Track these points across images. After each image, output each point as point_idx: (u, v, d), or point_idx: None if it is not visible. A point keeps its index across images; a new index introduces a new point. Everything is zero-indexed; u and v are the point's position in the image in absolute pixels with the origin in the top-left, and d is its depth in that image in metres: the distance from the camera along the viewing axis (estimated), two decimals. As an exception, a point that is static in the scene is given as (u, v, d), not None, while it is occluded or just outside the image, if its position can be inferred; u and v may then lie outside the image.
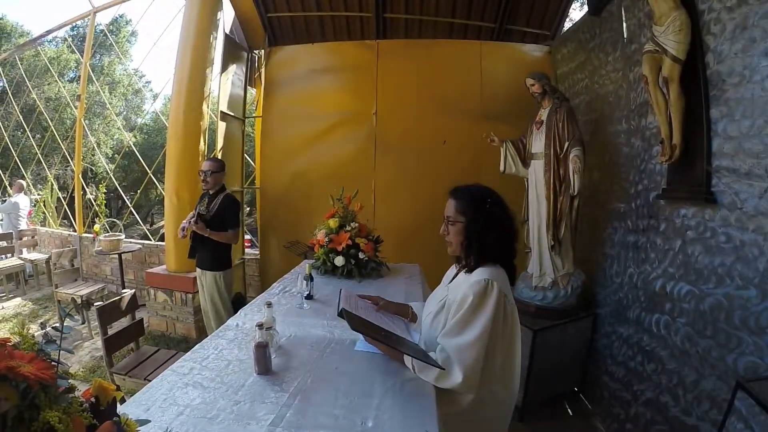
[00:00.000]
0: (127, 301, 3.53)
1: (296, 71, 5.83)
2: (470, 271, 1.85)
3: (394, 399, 1.66)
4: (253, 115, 6.71)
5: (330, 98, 5.74)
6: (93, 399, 1.04)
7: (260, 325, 1.87)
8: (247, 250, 6.58)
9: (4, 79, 12.73)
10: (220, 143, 5.34)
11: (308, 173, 5.71)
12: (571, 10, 5.65)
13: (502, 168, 4.01)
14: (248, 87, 6.25)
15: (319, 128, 5.72)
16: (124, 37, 17.17)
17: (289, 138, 5.82)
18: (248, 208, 12.23)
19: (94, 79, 10.20)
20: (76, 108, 8.86)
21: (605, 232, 3.74)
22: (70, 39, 15.22)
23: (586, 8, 4.31)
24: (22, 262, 7.74)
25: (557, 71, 5.13)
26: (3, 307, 6.73)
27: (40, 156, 10.97)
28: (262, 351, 1.84)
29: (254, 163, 6.84)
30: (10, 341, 0.94)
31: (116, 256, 5.92)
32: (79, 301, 5.46)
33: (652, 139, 3.07)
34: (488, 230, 1.82)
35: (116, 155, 15.46)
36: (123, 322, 3.58)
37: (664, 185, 2.87)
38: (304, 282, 2.86)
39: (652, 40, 2.61)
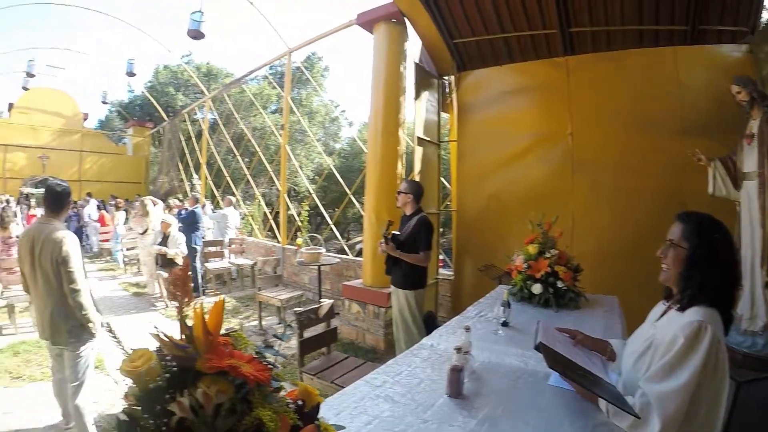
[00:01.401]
0: (325, 310, 3.87)
1: (487, 94, 5.92)
2: (682, 309, 1.67)
3: (582, 442, 1.56)
4: (447, 139, 6.90)
5: (522, 119, 5.70)
6: (300, 401, 1.14)
7: (458, 349, 1.89)
8: (440, 270, 6.73)
9: (216, 113, 15.09)
10: (417, 167, 5.56)
11: (502, 195, 5.72)
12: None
13: (710, 190, 3.62)
14: (442, 112, 6.48)
15: (513, 150, 5.69)
16: (318, 72, 19.18)
17: (483, 160, 5.91)
18: (442, 229, 12.60)
19: (294, 110, 11.46)
20: (280, 136, 10.07)
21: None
22: (270, 77, 17.36)
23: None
24: (229, 265, 9.22)
25: (762, 72, 4.31)
26: (209, 301, 7.93)
27: (249, 176, 12.63)
28: (456, 374, 1.86)
29: (449, 185, 7.01)
30: (231, 342, 1.08)
31: (316, 267, 6.52)
32: (279, 304, 6.15)
33: None
34: (711, 265, 1.64)
35: (317, 177, 17.13)
36: (318, 328, 3.93)
37: None
38: (501, 308, 2.85)
39: None
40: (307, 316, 3.71)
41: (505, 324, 2.84)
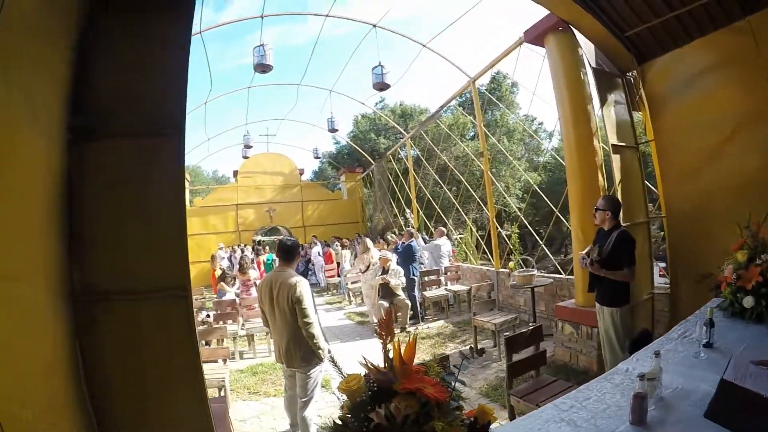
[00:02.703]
0: (531, 333, 4.02)
1: (674, 82, 5.31)
2: None
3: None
4: (645, 139, 6.34)
5: (718, 102, 4.90)
6: (473, 418, 1.51)
7: (642, 376, 1.89)
8: (661, 279, 6.31)
9: (416, 149, 16.08)
10: (617, 176, 5.32)
11: (714, 192, 4.98)
12: None
13: None
14: (633, 111, 6.08)
15: (715, 139, 4.94)
16: (507, 89, 19.18)
17: (686, 156, 5.28)
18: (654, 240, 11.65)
19: (488, 134, 11.76)
20: (481, 163, 10.38)
21: None
22: (460, 108, 17.97)
23: None
24: (446, 292, 9.81)
25: None
26: (429, 327, 8.73)
27: (457, 205, 13.17)
28: (638, 402, 1.88)
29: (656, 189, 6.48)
30: (424, 369, 1.49)
31: (529, 289, 6.63)
32: (492, 328, 6.37)
33: None
34: None
35: (525, 195, 17.13)
36: (528, 351, 4.07)
37: None
38: (704, 328, 2.65)
39: None
40: (515, 341, 3.95)
41: (708, 345, 2.62)
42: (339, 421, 1.46)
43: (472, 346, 6.72)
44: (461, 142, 16.29)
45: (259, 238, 23.10)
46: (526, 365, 3.99)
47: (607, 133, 5.38)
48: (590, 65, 5.39)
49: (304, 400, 4.08)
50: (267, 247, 18.36)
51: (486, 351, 6.59)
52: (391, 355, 1.49)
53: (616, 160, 5.32)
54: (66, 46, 2.05)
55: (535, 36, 6.24)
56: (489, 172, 9.88)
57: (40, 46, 1.84)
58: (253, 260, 13.88)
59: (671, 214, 5.61)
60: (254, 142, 19.78)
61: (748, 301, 3.00)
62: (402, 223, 16.16)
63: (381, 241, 13.16)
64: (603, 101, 5.45)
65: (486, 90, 19.04)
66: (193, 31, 8.72)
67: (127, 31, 2.25)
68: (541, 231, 13.87)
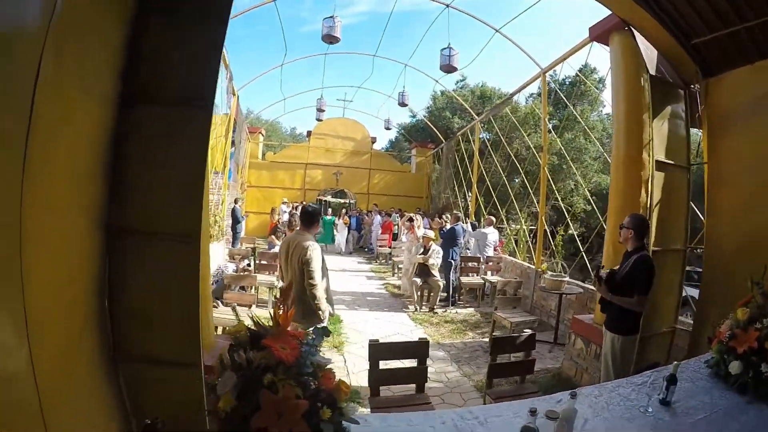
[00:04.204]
0: (522, 341, 3.97)
1: (740, 102, 4.74)
2: None
3: None
4: (699, 161, 5.71)
5: None
6: (322, 388, 1.71)
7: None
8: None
9: (489, 134, 15.72)
10: (656, 196, 4.94)
11: (760, 236, 4.39)
12: None
13: None
14: (694, 129, 5.61)
15: None
16: (593, 84, 18.20)
17: (740, 187, 4.71)
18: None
19: (555, 130, 11.27)
20: (540, 158, 10.07)
21: None
22: (540, 97, 17.37)
23: None
24: (482, 281, 9.73)
25: None
26: (457, 312, 8.77)
27: (512, 196, 12.87)
28: None
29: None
30: (301, 336, 1.80)
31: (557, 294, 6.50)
32: (509, 325, 6.35)
33: None
34: None
35: (594, 197, 16.47)
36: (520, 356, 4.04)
37: None
38: (664, 383, 2.40)
39: None
40: (501, 343, 3.99)
41: (665, 402, 2.37)
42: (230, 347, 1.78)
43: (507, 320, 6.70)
44: (525, 134, 15.72)
45: (329, 198, 23.77)
46: (510, 369, 3.98)
47: (652, 148, 4.99)
48: (647, 71, 4.99)
49: None
50: (330, 209, 18.97)
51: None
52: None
53: (658, 177, 4.96)
54: (120, 19, 2.51)
55: (600, 34, 5.86)
56: (545, 169, 9.56)
57: (97, 18, 2.28)
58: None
59: (711, 248, 5.06)
60: (331, 107, 20.18)
61: (734, 367, 2.70)
62: (461, 205, 16.00)
63: (437, 219, 13.24)
64: (657, 112, 5.04)
65: (570, 83, 18.19)
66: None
67: (171, 9, 2.71)
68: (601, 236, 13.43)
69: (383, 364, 3.65)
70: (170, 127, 2.76)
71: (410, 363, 3.80)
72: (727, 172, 4.93)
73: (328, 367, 1.82)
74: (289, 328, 1.81)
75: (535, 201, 11.81)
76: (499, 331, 6.99)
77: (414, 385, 3.76)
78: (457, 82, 24.26)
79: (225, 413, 1.58)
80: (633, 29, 5.05)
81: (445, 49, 10.11)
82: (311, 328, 1.98)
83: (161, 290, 2.37)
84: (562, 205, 12.36)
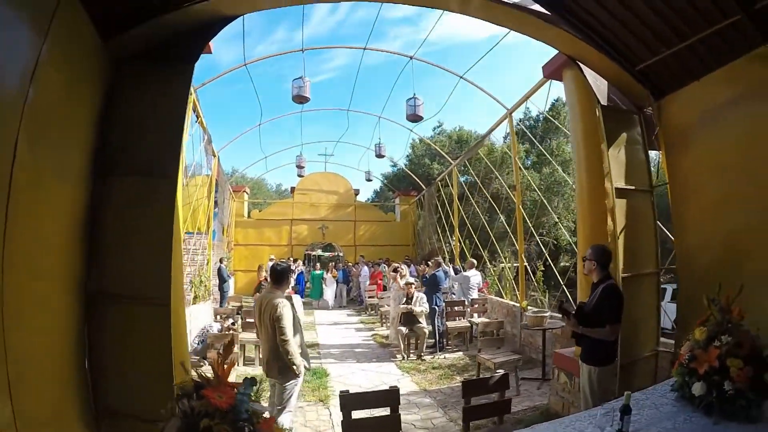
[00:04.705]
0: (495, 381, 3.90)
1: (691, 118, 4.72)
2: None
3: None
4: (659, 182, 5.77)
5: (741, 140, 4.23)
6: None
7: None
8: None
9: (470, 176, 16.02)
10: (620, 223, 4.90)
11: (731, 246, 4.31)
12: None
13: None
14: (654, 151, 5.67)
15: (736, 183, 4.27)
16: (565, 118, 18.68)
17: (702, 201, 4.65)
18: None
19: (522, 171, 11.47)
20: (514, 196, 10.19)
21: None
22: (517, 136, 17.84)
23: None
24: (468, 324, 9.62)
25: None
26: (445, 357, 8.64)
27: (492, 237, 12.93)
28: None
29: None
30: (233, 386, 1.89)
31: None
32: (492, 366, 6.21)
33: None
34: None
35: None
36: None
37: None
38: (617, 414, 2.26)
39: None
40: (473, 385, 3.96)
41: None
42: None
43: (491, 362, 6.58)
44: (502, 175, 16.00)
45: (319, 252, 23.74)
46: (486, 411, 3.90)
47: (611, 175, 4.99)
48: (599, 101, 5.07)
49: (278, 408, 4.41)
50: (318, 264, 18.96)
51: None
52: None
53: (620, 204, 4.95)
54: (91, 111, 3.00)
55: (552, 71, 6.05)
56: (520, 207, 9.65)
57: (68, 111, 2.70)
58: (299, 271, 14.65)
59: (683, 265, 4.98)
60: (313, 162, 20.55)
61: (697, 388, 2.61)
62: (445, 250, 16.04)
63: (422, 266, 13.25)
64: (612, 140, 5.09)
65: (544, 118, 18.68)
66: (240, 63, 9.23)
67: (136, 97, 3.34)
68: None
69: (358, 414, 3.59)
70: (138, 196, 3.22)
71: (385, 412, 3.73)
72: (688, 188, 4.90)
73: (269, 417, 1.99)
74: (228, 379, 1.94)
75: (514, 239, 11.84)
76: (487, 372, 6.88)
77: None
78: (435, 128, 24.92)
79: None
80: (579, 64, 5.15)
81: (410, 99, 10.41)
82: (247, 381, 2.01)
83: (137, 349, 2.59)
84: (544, 239, 12.41)
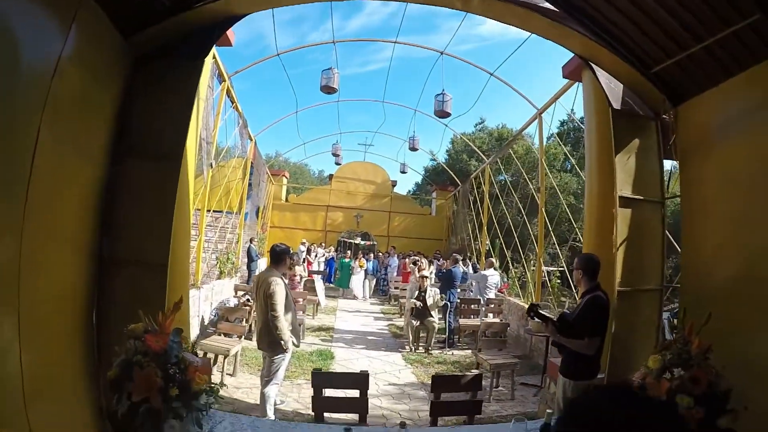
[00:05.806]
0: (467, 380, 3.95)
1: (709, 126, 4.27)
2: None
3: None
4: (671, 194, 5.37)
5: (762, 151, 3.66)
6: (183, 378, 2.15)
7: None
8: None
9: (505, 175, 15.87)
10: (621, 234, 4.67)
11: (740, 269, 3.80)
12: None
13: None
14: (670, 160, 5.11)
15: (752, 200, 3.74)
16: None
17: (720, 221, 4.11)
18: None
19: (547, 172, 11.25)
20: (538, 198, 10.11)
21: None
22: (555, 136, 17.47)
23: None
24: (480, 323, 9.53)
25: None
26: (452, 354, 8.89)
27: (516, 238, 12.81)
28: None
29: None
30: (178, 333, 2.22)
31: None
32: (488, 367, 6.32)
33: None
34: None
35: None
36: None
37: None
38: None
39: None
40: (442, 381, 4.09)
41: None
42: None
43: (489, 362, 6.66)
44: (533, 176, 15.78)
45: (358, 240, 24.13)
46: (454, 408, 4.01)
47: (617, 182, 4.72)
48: (610, 104, 4.79)
49: (266, 379, 4.79)
50: (349, 252, 19.40)
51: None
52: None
53: (624, 214, 4.70)
54: (111, 101, 3.52)
55: (571, 71, 5.93)
56: (543, 210, 9.58)
57: (90, 101, 3.21)
58: (304, 259, 14.98)
59: (687, 285, 4.52)
60: (352, 150, 21.04)
61: None
62: (474, 248, 16.04)
63: (444, 261, 13.29)
64: (621, 146, 4.80)
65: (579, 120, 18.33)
66: (270, 53, 9.59)
67: (151, 89, 3.86)
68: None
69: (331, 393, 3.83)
70: (148, 176, 3.79)
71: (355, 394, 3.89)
72: (701, 202, 4.42)
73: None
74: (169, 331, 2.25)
75: (534, 243, 11.74)
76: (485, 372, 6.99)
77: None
78: (476, 124, 24.72)
79: (111, 380, 2.07)
80: (592, 65, 4.92)
81: (438, 95, 10.48)
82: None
83: (137, 306, 2.63)
84: (578, 246, 12.18)
